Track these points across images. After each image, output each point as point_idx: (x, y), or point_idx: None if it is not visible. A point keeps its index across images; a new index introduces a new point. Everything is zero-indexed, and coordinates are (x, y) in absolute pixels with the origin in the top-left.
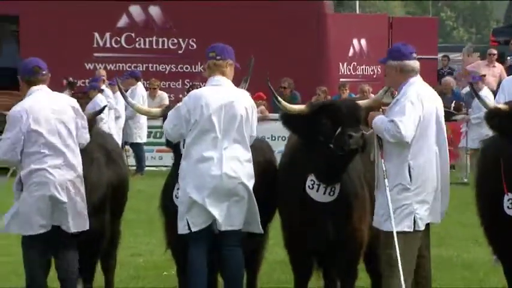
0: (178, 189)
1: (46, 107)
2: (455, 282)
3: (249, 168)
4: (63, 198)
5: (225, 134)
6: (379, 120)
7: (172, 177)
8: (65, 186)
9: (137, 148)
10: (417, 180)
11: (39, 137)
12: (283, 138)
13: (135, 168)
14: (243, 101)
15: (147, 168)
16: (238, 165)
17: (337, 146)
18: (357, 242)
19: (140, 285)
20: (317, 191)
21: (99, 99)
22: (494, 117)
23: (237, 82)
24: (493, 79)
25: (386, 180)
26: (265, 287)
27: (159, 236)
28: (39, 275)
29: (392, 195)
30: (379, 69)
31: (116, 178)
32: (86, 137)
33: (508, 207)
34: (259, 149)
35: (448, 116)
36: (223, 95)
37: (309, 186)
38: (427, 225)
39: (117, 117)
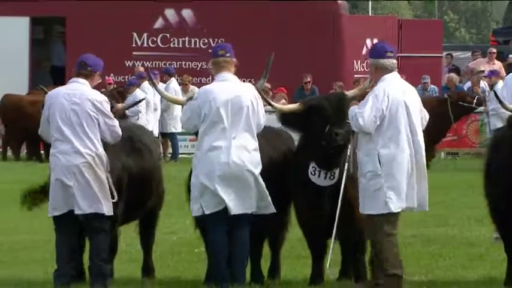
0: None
1: (66, 97)
2: (459, 257)
3: (256, 156)
4: (70, 182)
5: (232, 125)
6: (351, 111)
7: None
8: (72, 171)
9: (172, 137)
10: (387, 167)
11: (53, 122)
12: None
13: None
14: (248, 94)
15: (180, 155)
16: (245, 154)
17: (327, 143)
18: (355, 219)
19: (175, 259)
20: (318, 176)
21: (138, 94)
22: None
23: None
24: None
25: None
26: (287, 262)
27: (191, 216)
28: (61, 255)
29: (366, 182)
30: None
31: (136, 166)
32: (115, 135)
33: None
34: (282, 138)
35: (470, 110)
36: (230, 89)
37: (311, 173)
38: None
39: (154, 110)
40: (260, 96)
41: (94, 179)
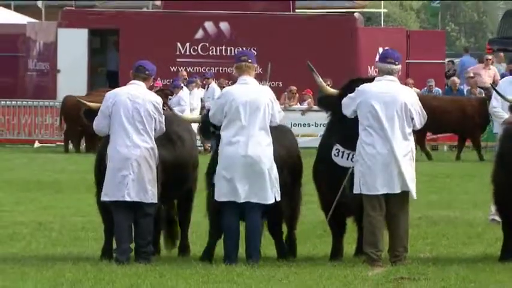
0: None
1: (128, 96)
2: (459, 235)
3: (269, 151)
4: (126, 172)
5: (250, 123)
6: None
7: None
8: (130, 162)
9: None
10: (365, 156)
11: (117, 117)
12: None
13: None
14: (265, 96)
15: None
16: (260, 149)
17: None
18: None
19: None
20: (341, 157)
21: (183, 95)
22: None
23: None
24: (488, 79)
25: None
26: (310, 241)
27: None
28: (120, 235)
29: (355, 167)
30: (399, 72)
31: (170, 156)
32: (162, 130)
33: None
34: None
35: None
36: (249, 91)
37: (334, 154)
38: (402, 193)
39: (192, 110)
40: (275, 98)
41: (147, 169)
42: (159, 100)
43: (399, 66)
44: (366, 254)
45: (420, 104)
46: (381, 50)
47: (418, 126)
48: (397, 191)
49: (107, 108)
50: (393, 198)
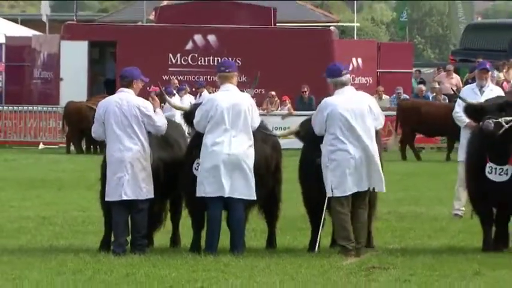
0: (198, 163)
1: (115, 104)
2: (425, 229)
3: (250, 151)
4: (121, 174)
5: (232, 126)
6: None
7: (192, 155)
8: (124, 165)
9: None
10: (332, 161)
11: (108, 125)
12: None
13: None
14: (245, 102)
15: None
16: (242, 149)
17: None
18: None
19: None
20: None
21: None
22: (466, 109)
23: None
24: (450, 86)
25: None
26: (290, 233)
27: None
28: (117, 230)
29: (325, 174)
30: (370, 80)
31: (170, 155)
32: (157, 128)
33: (488, 172)
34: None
35: None
36: (231, 97)
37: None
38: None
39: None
40: (255, 104)
41: (140, 169)
42: (144, 104)
43: (349, 75)
44: (341, 246)
45: (378, 106)
46: (354, 60)
47: (380, 126)
48: (365, 188)
49: (100, 116)
50: (358, 195)
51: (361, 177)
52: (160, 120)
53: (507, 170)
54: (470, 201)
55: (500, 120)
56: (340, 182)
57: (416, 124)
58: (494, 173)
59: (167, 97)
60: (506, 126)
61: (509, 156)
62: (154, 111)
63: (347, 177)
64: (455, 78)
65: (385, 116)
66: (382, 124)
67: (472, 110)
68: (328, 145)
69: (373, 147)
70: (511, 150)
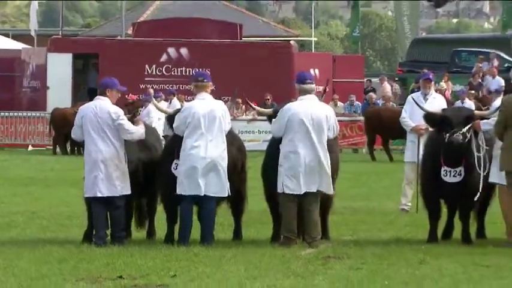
0: (176, 163)
1: (91, 110)
2: (375, 222)
3: (224, 153)
4: (96, 172)
5: (208, 131)
6: None
7: (168, 156)
8: (98, 164)
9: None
10: (285, 162)
11: (85, 129)
12: (267, 132)
13: None
14: (219, 109)
15: None
16: (217, 151)
17: None
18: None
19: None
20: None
21: (151, 108)
22: (427, 117)
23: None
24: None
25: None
26: (254, 226)
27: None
28: (98, 224)
29: (279, 171)
30: (327, 88)
31: (148, 157)
32: (129, 134)
33: (443, 175)
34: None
35: None
36: (206, 105)
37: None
38: (316, 192)
39: (158, 119)
40: (228, 110)
41: (114, 168)
42: (115, 110)
43: (313, 85)
44: (284, 237)
45: (335, 117)
46: (312, 71)
47: (332, 136)
48: (314, 190)
49: (79, 120)
50: (310, 195)
51: (311, 179)
52: (133, 128)
53: (460, 171)
54: (422, 198)
55: (464, 131)
56: (291, 181)
57: (379, 128)
58: (449, 175)
59: (154, 101)
60: (468, 136)
61: (462, 160)
62: (134, 123)
63: (299, 178)
64: (387, 87)
65: (339, 121)
66: (336, 134)
67: (432, 119)
68: (285, 146)
69: (324, 155)
70: (464, 155)
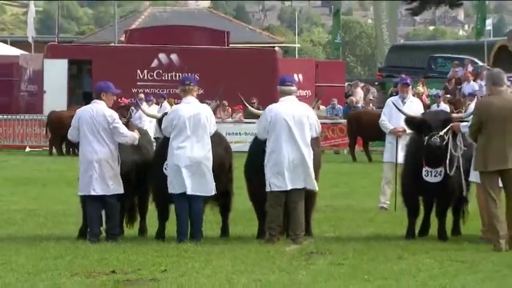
0: (167, 164)
1: (88, 113)
2: (356, 219)
3: (209, 154)
4: (91, 172)
5: (193, 133)
6: None
7: (159, 157)
8: (93, 164)
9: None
10: (270, 161)
11: (82, 130)
12: (252, 134)
13: None
14: (204, 112)
15: None
16: (202, 152)
17: None
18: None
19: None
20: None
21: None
22: (407, 121)
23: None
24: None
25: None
26: (241, 223)
27: None
28: (92, 221)
29: (265, 170)
30: (309, 93)
31: (141, 158)
32: (123, 138)
33: (425, 175)
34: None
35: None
36: (192, 108)
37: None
38: (302, 188)
39: (150, 121)
40: (213, 113)
41: (108, 169)
42: (110, 114)
43: (295, 88)
44: (269, 234)
45: (316, 117)
46: (295, 76)
47: (315, 135)
48: (300, 186)
49: (76, 122)
50: (294, 192)
51: (296, 176)
52: (127, 132)
53: (441, 171)
54: (403, 196)
55: (442, 134)
56: (277, 178)
57: (360, 130)
58: (430, 175)
59: (141, 107)
60: (446, 139)
61: (443, 161)
62: (129, 128)
63: (284, 176)
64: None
65: (322, 123)
66: (318, 133)
67: (413, 123)
68: (269, 146)
69: (308, 152)
70: (444, 156)
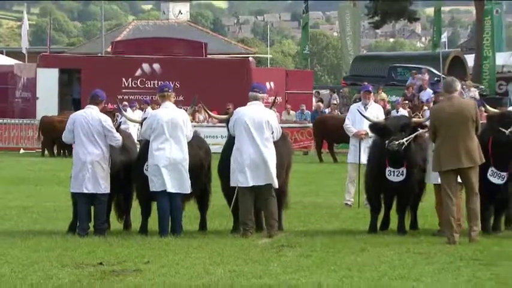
0: (147, 164)
1: (83, 117)
2: (323, 215)
3: (186, 155)
4: (84, 172)
5: (171, 136)
6: None
7: (142, 158)
8: (87, 165)
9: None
10: (235, 159)
11: (76, 133)
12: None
13: None
14: (181, 116)
15: None
16: (180, 153)
17: None
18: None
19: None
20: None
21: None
22: (371, 126)
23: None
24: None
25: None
26: (217, 219)
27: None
28: (81, 216)
29: (231, 167)
30: (280, 99)
31: (127, 159)
32: (115, 141)
33: (388, 174)
34: (203, 143)
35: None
36: (169, 113)
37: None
38: (267, 184)
39: (134, 125)
40: (189, 118)
41: (100, 169)
42: (105, 119)
43: (263, 95)
44: (243, 229)
45: (277, 122)
46: (267, 84)
47: (275, 138)
48: (263, 183)
49: (70, 125)
50: (263, 188)
51: (256, 174)
52: (119, 136)
53: (403, 171)
54: (367, 194)
55: (401, 140)
56: (241, 175)
57: (326, 134)
58: (393, 175)
59: (124, 112)
60: (406, 143)
61: (404, 162)
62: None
63: (245, 172)
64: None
65: (291, 127)
66: (278, 137)
67: (375, 128)
68: (235, 145)
69: (267, 152)
70: (405, 158)
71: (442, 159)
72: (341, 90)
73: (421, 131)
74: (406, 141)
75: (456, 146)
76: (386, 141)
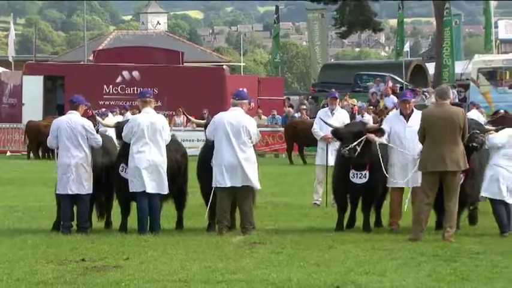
0: (123, 166)
1: (66, 123)
2: (293, 214)
3: (165, 158)
4: (68, 174)
5: (151, 139)
6: None
7: (120, 160)
8: (70, 167)
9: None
10: (216, 160)
11: (60, 137)
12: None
13: None
14: (160, 121)
15: None
16: (159, 156)
17: None
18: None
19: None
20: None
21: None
22: (332, 132)
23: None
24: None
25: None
26: (194, 218)
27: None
28: (65, 216)
29: (213, 170)
30: (253, 105)
31: (108, 161)
32: (97, 142)
33: (351, 177)
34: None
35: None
36: (149, 118)
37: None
38: (244, 186)
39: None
40: (167, 123)
41: (83, 172)
42: (87, 123)
43: (243, 101)
44: (218, 228)
45: (256, 127)
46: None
47: (254, 142)
48: (239, 185)
49: (54, 131)
50: (239, 190)
51: (234, 176)
52: (100, 139)
53: (365, 174)
54: (333, 194)
55: (353, 146)
56: (219, 176)
57: (296, 137)
58: (356, 177)
59: (98, 117)
60: (359, 149)
61: (366, 165)
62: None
63: (223, 174)
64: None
65: (263, 131)
66: (256, 142)
67: (336, 134)
68: (215, 147)
69: (243, 156)
70: (367, 161)
71: (428, 160)
72: (310, 97)
73: (370, 135)
74: (357, 145)
75: (442, 150)
76: (340, 148)
